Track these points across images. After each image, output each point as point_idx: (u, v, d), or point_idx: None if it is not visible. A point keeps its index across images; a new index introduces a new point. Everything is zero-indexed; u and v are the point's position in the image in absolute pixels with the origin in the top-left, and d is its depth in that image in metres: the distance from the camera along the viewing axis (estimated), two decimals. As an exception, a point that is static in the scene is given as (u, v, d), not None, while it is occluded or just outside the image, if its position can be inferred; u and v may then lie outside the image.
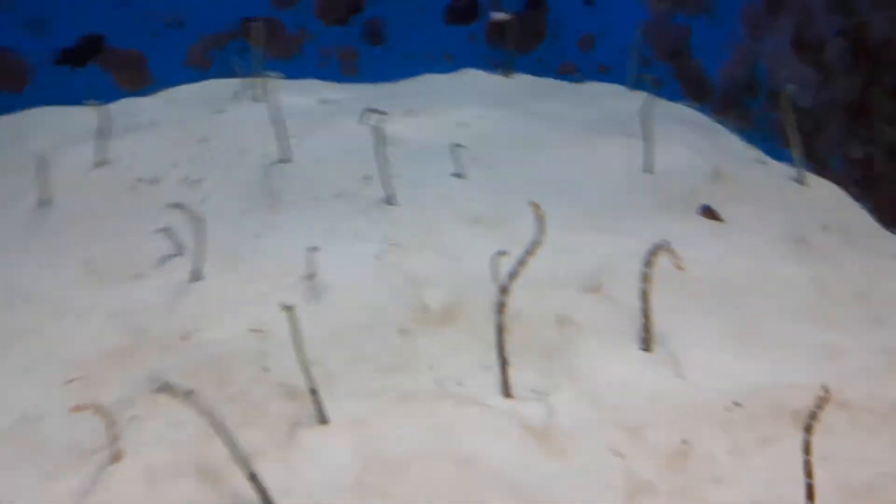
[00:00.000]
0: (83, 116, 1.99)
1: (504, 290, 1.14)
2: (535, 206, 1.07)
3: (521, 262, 1.12)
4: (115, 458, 0.98)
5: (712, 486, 1.01)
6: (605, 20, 2.48)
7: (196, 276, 1.39)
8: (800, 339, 1.26)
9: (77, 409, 0.94)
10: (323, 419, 1.06)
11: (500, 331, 1.15)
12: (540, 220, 1.08)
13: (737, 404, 1.12)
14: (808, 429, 0.94)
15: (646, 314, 1.23)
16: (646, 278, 1.23)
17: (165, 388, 0.84)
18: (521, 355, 1.24)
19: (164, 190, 1.77)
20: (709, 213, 1.67)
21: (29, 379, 1.20)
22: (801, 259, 1.46)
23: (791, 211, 1.65)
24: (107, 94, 2.30)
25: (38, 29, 2.21)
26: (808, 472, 0.95)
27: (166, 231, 1.48)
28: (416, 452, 1.01)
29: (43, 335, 1.29)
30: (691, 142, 2.06)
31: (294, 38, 2.41)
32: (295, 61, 2.44)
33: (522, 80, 2.54)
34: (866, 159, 1.63)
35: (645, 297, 1.23)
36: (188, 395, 0.87)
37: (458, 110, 2.25)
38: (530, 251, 1.11)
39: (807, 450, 0.94)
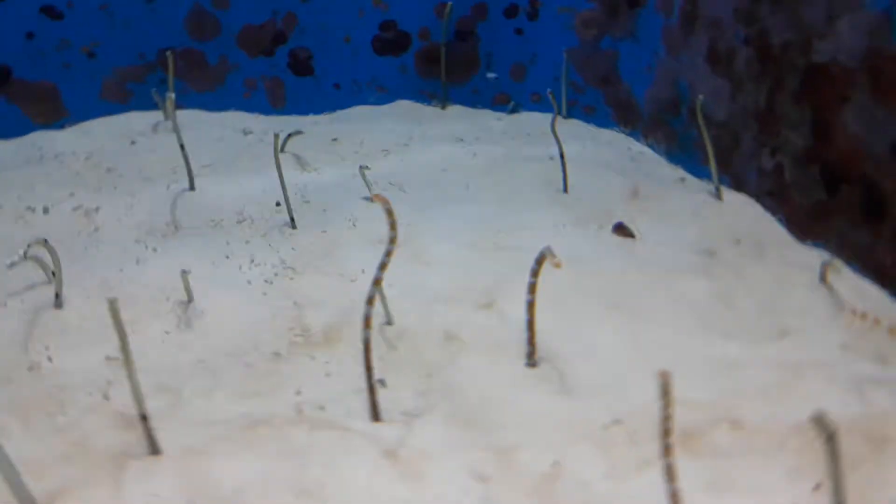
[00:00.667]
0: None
1: (370, 301, 1.05)
2: (381, 200, 0.99)
3: (383, 266, 1.04)
4: None
5: (583, 512, 0.91)
6: (535, 49, 2.45)
7: (59, 304, 1.30)
8: (696, 352, 1.17)
9: None
10: (155, 450, 0.96)
11: (367, 348, 1.06)
12: (389, 214, 1.00)
13: (617, 422, 1.03)
14: (667, 451, 0.79)
15: (530, 327, 1.15)
16: (531, 289, 1.14)
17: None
18: (401, 374, 1.15)
19: (53, 219, 1.68)
20: (621, 229, 1.61)
21: None
22: (707, 272, 1.39)
23: (704, 226, 1.58)
24: (18, 128, 2.23)
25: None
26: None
27: (35, 260, 1.39)
28: (252, 483, 0.91)
29: None
30: (614, 164, 2.01)
31: (216, 70, 2.36)
32: (219, 93, 2.38)
33: (456, 111, 2.50)
34: (777, 169, 1.57)
35: (531, 308, 1.15)
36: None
37: (381, 140, 2.20)
38: (389, 251, 1.02)
39: (669, 475, 0.80)
